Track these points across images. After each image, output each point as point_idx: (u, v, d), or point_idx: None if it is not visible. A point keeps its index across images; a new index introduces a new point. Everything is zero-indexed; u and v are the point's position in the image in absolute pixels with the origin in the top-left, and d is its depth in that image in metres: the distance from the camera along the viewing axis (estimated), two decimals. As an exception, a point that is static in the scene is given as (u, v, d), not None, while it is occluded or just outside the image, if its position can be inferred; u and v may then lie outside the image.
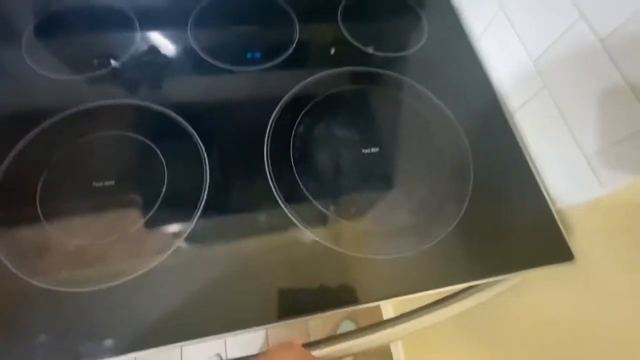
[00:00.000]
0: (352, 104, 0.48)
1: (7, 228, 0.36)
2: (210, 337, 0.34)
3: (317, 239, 0.39)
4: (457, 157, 0.46)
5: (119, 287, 0.34)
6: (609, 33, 0.36)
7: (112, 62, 0.46)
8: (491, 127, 0.49)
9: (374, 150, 0.45)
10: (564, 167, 0.44)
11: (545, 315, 0.50)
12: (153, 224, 0.38)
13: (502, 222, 0.43)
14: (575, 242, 0.43)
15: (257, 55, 0.50)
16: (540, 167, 0.47)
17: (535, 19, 0.45)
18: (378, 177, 0.44)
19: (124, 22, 0.50)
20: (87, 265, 0.35)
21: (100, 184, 0.39)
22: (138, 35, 0.49)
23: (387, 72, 0.51)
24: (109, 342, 0.32)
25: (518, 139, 0.48)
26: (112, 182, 0.39)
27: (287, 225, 0.39)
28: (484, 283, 0.44)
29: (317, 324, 1.14)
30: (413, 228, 0.41)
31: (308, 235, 0.39)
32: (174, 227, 0.38)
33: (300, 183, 0.41)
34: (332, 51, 0.52)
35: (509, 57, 0.50)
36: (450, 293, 0.44)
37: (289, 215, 0.39)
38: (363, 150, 0.45)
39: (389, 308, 1.12)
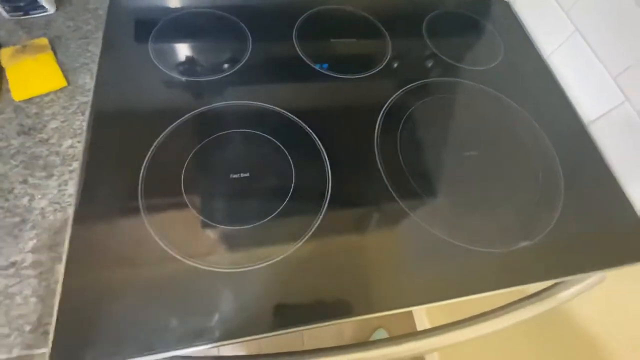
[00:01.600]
0: (446, 111, 0.52)
1: (162, 215, 0.39)
2: (331, 322, 0.36)
3: (429, 228, 0.42)
4: (546, 161, 0.50)
5: (258, 270, 0.37)
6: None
7: (234, 66, 0.50)
8: (571, 136, 0.53)
9: (473, 153, 0.49)
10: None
11: (624, 315, 0.53)
12: (285, 214, 0.41)
13: (589, 225, 0.46)
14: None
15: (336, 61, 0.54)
16: (621, 177, 0.51)
17: (613, 38, 0.50)
18: (478, 177, 0.47)
19: (236, 29, 0.55)
20: (232, 249, 0.38)
21: (237, 175, 0.42)
22: (249, 44, 0.53)
23: (474, 83, 0.56)
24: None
25: (598, 146, 0.53)
26: (247, 174, 0.42)
27: (402, 217, 0.42)
28: (557, 286, 0.47)
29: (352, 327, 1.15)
30: (506, 228, 0.45)
31: (420, 224, 0.42)
32: (304, 219, 0.41)
33: (411, 180, 0.45)
34: (424, 63, 0.57)
35: (585, 72, 0.55)
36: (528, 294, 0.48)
37: (404, 207, 0.43)
38: (464, 153, 0.48)
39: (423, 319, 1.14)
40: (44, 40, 0.48)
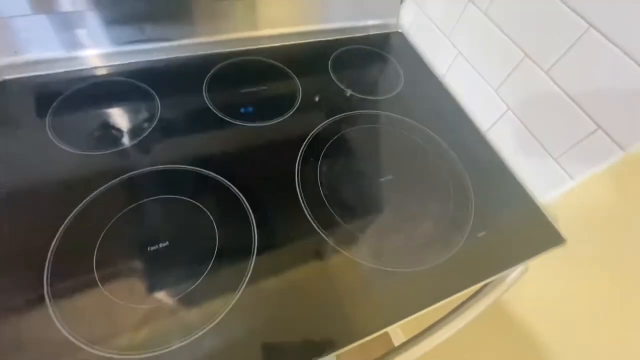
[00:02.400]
0: (359, 142, 0.56)
1: (68, 298, 0.36)
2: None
3: (355, 258, 0.44)
4: (455, 174, 0.55)
5: (187, 347, 0.36)
6: (552, 64, 0.49)
7: (142, 133, 0.50)
8: (472, 146, 0.59)
9: (389, 177, 0.52)
10: (540, 169, 0.54)
11: (549, 299, 0.58)
12: (211, 279, 0.40)
13: (502, 225, 0.51)
14: (562, 228, 0.52)
15: (250, 110, 0.56)
16: (519, 173, 0.58)
17: (487, 57, 0.58)
18: (396, 200, 0.51)
19: (144, 95, 0.55)
20: (144, 330, 0.36)
21: (155, 246, 0.41)
22: (158, 104, 0.54)
23: (381, 112, 0.60)
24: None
25: (497, 152, 0.59)
26: (167, 243, 0.41)
27: (328, 250, 0.44)
28: (488, 286, 0.51)
29: None
30: (429, 243, 0.48)
31: (346, 256, 0.44)
32: (231, 278, 0.40)
33: (333, 212, 0.47)
34: (334, 100, 0.60)
35: (473, 88, 0.63)
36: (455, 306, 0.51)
37: (329, 241, 0.44)
38: (380, 179, 0.52)
39: (398, 331, 1.15)
40: None
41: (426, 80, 0.68)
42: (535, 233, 0.51)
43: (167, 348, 0.35)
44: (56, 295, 0.37)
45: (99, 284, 0.38)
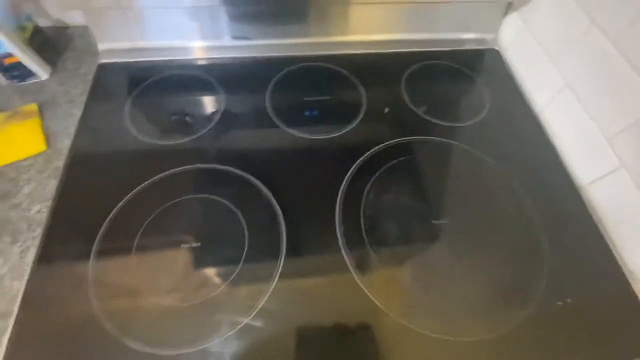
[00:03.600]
0: (419, 173, 0.50)
1: (109, 290, 0.39)
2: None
3: (387, 311, 0.39)
4: (529, 233, 0.45)
5: (204, 351, 0.36)
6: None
7: (204, 128, 0.52)
8: (561, 201, 0.48)
9: (444, 221, 0.45)
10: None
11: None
12: (237, 283, 0.40)
13: (586, 309, 0.41)
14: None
15: (308, 119, 0.54)
16: (620, 248, 0.45)
17: (606, 98, 0.46)
18: (447, 250, 0.44)
19: (209, 90, 0.56)
20: (170, 327, 0.37)
21: (187, 245, 0.42)
22: (222, 107, 0.55)
23: (454, 142, 0.53)
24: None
25: (595, 214, 0.47)
26: (199, 244, 0.42)
27: (358, 295, 0.40)
28: None
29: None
30: (487, 308, 0.41)
31: (376, 306, 0.39)
32: (255, 287, 0.40)
33: (371, 252, 0.42)
34: (399, 121, 0.55)
35: (577, 131, 0.51)
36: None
37: (360, 284, 0.40)
38: (433, 221, 0.45)
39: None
40: (34, 106, 0.52)
41: (517, 111, 0.58)
42: (625, 331, 0.40)
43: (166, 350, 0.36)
44: (98, 258, 0.40)
45: (135, 264, 0.40)
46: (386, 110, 0.56)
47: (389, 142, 0.52)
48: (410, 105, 0.57)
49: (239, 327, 0.37)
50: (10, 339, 0.36)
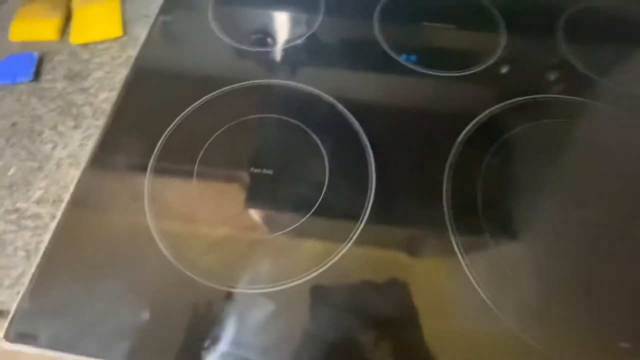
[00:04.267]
0: (563, 144, 0.37)
1: (165, 197, 0.34)
2: None
3: (498, 313, 0.29)
4: None
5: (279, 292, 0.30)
6: None
7: (294, 40, 0.43)
8: None
9: (589, 212, 0.33)
10: None
11: None
12: (309, 227, 0.32)
13: None
14: None
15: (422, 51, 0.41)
16: None
17: None
18: (588, 249, 0.32)
19: (310, 2, 0.46)
20: (226, 260, 0.31)
21: (258, 170, 0.35)
22: (320, 17, 0.45)
23: (616, 109, 0.38)
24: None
25: None
26: (270, 172, 0.35)
27: (463, 282, 0.30)
28: None
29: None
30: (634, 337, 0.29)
31: (486, 304, 0.29)
32: (332, 235, 0.32)
33: (487, 234, 0.32)
34: (547, 72, 0.41)
35: None
36: None
37: (467, 271, 0.30)
38: (573, 210, 0.33)
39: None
40: (114, -15, 0.47)
41: None
42: None
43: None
44: (157, 170, 0.34)
45: (194, 176, 0.34)
46: (524, 60, 0.42)
47: (527, 97, 0.39)
48: (566, 54, 0.42)
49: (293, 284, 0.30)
50: (57, 225, 0.32)
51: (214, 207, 0.33)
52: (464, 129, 0.37)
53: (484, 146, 0.36)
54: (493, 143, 0.36)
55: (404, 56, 0.41)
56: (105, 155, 0.36)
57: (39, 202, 0.34)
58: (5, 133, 0.38)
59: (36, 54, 0.41)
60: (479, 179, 0.34)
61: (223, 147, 0.35)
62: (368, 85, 0.40)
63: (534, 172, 0.36)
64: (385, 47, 0.42)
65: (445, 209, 0.33)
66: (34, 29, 0.43)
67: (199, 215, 0.33)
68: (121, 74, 0.41)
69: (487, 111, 0.38)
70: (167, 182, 0.35)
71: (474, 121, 0.37)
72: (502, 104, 0.38)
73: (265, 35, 0.43)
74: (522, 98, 0.39)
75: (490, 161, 0.35)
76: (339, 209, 0.33)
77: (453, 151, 0.35)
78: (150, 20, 0.45)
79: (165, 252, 0.30)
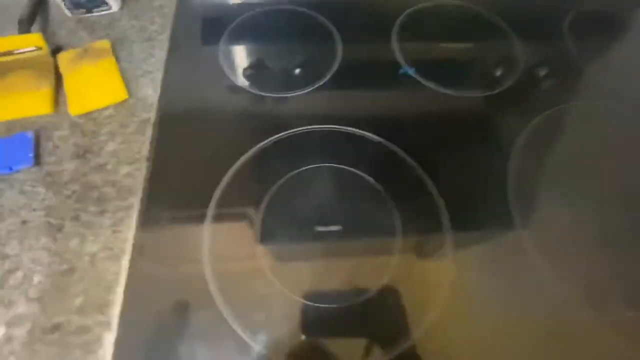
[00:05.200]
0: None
1: (231, 278, 0.30)
2: None
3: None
4: None
5: None
6: None
7: (320, 79, 0.40)
8: None
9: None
10: None
11: None
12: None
13: None
14: None
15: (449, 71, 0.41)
16: None
17: None
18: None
19: (326, 36, 0.44)
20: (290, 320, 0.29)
21: (324, 228, 0.33)
22: (339, 44, 0.43)
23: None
24: None
25: None
26: (339, 227, 0.33)
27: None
28: None
29: None
30: None
31: None
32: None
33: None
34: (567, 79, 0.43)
35: None
36: None
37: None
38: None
39: None
40: (106, 43, 0.42)
41: None
42: None
43: None
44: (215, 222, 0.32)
45: (262, 253, 0.31)
46: (544, 72, 0.43)
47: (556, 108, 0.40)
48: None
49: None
50: (118, 338, 0.28)
51: (282, 269, 0.31)
52: (513, 145, 0.37)
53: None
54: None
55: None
56: (149, 241, 0.31)
57: (81, 311, 0.29)
58: (17, 234, 0.32)
59: (31, 134, 0.36)
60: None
61: (279, 209, 0.33)
62: (405, 115, 0.39)
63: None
64: (409, 70, 0.42)
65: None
66: (21, 104, 0.37)
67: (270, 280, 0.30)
68: (138, 143, 0.37)
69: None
70: (230, 272, 0.31)
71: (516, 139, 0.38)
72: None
73: (287, 77, 0.41)
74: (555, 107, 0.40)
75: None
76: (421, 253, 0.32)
77: (510, 165, 0.36)
78: (154, 76, 0.41)
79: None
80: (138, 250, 0.30)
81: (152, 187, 0.33)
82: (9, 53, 0.38)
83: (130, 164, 0.36)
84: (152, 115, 0.38)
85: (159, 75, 0.41)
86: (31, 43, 0.38)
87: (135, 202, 0.34)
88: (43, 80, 0.38)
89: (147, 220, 0.32)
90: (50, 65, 0.39)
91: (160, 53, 0.42)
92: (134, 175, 0.35)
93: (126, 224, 0.33)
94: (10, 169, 0.34)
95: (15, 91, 0.37)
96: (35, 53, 0.39)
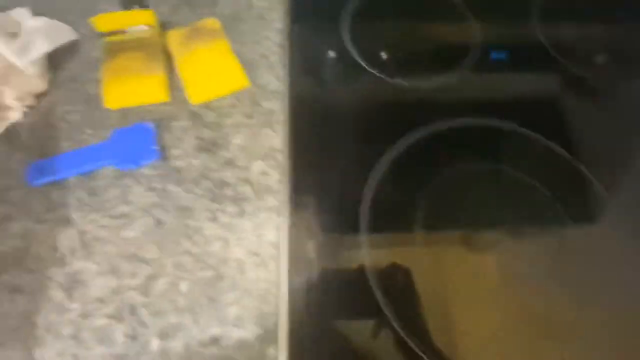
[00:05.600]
0: None
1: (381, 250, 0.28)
2: None
3: None
4: None
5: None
6: None
7: (460, 65, 0.36)
8: None
9: None
10: None
11: None
12: None
13: None
14: None
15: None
16: None
17: None
18: None
19: (461, 16, 0.39)
20: None
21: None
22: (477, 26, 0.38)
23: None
24: None
25: None
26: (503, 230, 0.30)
27: None
28: None
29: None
30: None
31: None
32: None
33: None
34: None
35: None
36: None
37: None
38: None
39: None
40: (216, 22, 0.37)
41: None
42: None
43: None
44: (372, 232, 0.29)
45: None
46: None
47: None
48: None
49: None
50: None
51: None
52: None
53: None
54: None
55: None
56: (304, 242, 0.29)
57: (237, 323, 0.27)
58: (153, 236, 0.29)
59: (152, 125, 0.33)
60: None
61: (442, 212, 0.30)
62: (563, 110, 0.35)
63: None
64: (559, 57, 0.37)
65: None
66: (135, 90, 0.33)
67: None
68: (266, 136, 0.33)
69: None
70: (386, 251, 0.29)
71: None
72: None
73: (420, 63, 0.37)
74: None
75: None
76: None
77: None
78: (271, 61, 0.37)
79: None
80: (293, 259, 0.28)
81: (295, 188, 0.30)
82: (119, 32, 0.34)
83: (261, 159, 0.33)
84: (275, 105, 0.35)
85: (275, 60, 0.37)
86: (142, 20, 0.34)
87: (275, 202, 0.31)
88: (156, 64, 0.34)
89: (296, 225, 0.29)
90: (161, 47, 0.35)
91: (273, 34, 0.38)
92: (268, 172, 0.32)
93: (269, 226, 0.30)
94: (138, 163, 0.31)
95: (127, 75, 0.33)
96: (145, 32, 0.35)
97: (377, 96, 0.34)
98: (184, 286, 0.28)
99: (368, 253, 0.28)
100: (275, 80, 0.36)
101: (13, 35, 0.33)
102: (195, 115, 0.34)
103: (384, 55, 0.36)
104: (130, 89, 0.33)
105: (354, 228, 0.29)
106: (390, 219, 0.29)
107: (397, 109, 0.34)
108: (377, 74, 0.35)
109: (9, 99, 0.33)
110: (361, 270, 0.28)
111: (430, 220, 0.29)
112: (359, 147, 0.32)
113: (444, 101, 0.34)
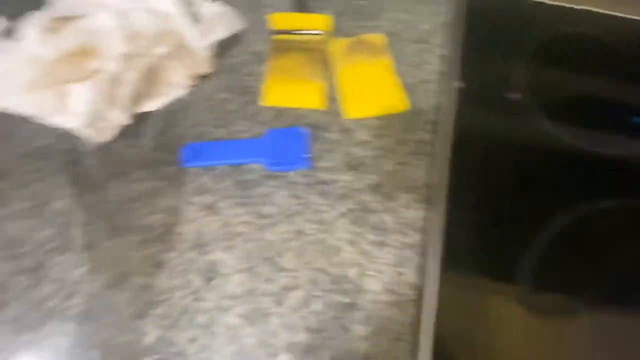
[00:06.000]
0: None
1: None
2: None
3: None
4: None
5: None
6: None
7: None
8: None
9: None
10: None
11: None
12: None
13: None
14: None
15: None
16: None
17: None
18: None
19: None
20: None
21: None
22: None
23: None
24: None
25: None
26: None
27: None
28: None
29: None
30: None
31: None
32: None
33: None
34: None
35: None
36: None
37: None
38: None
39: None
40: (382, 38, 0.37)
41: None
42: None
43: None
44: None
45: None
46: None
47: None
48: None
49: None
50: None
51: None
52: None
53: None
54: None
55: None
56: (454, 295, 0.26)
57: (369, 355, 0.26)
58: (292, 245, 0.29)
59: (307, 131, 0.33)
60: None
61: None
62: None
63: None
64: None
65: None
66: (294, 91, 0.33)
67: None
68: (417, 167, 0.32)
69: None
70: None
71: None
72: None
73: (614, 127, 0.33)
74: None
75: None
76: None
77: None
78: (429, 87, 0.35)
79: None
80: (443, 311, 0.26)
81: (449, 234, 0.28)
82: (291, 32, 0.35)
83: (408, 191, 0.31)
84: (426, 135, 0.33)
85: (433, 87, 0.36)
86: (317, 25, 0.34)
87: (418, 240, 0.29)
88: (318, 70, 0.34)
89: (448, 276, 0.27)
90: (325, 54, 0.35)
91: (435, 60, 0.37)
92: (412, 206, 0.31)
93: (409, 265, 0.28)
94: (290, 167, 0.31)
95: (290, 76, 0.34)
96: (315, 37, 0.35)
97: (554, 153, 0.31)
98: (317, 305, 0.27)
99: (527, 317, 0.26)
100: (432, 109, 0.34)
101: (195, 17, 0.35)
102: (347, 130, 0.33)
103: (564, 109, 0.33)
104: (291, 91, 0.33)
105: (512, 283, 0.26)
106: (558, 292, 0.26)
107: (576, 172, 0.31)
108: (555, 129, 0.32)
109: (177, 76, 0.35)
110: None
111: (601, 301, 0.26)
112: (527, 201, 0.29)
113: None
